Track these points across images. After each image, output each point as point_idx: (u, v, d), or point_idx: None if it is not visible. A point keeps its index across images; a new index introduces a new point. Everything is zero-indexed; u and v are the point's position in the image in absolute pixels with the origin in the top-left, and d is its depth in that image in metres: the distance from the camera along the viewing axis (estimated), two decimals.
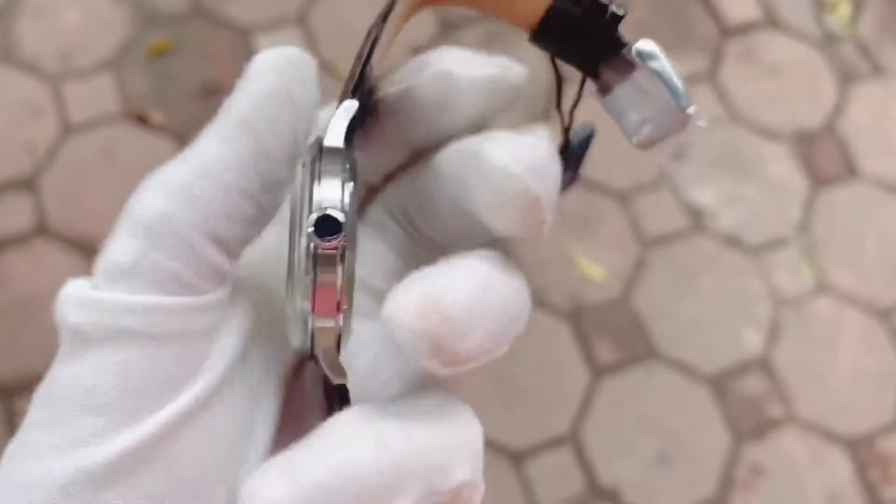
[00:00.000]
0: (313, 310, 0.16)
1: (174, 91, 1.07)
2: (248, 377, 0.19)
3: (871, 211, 1.07)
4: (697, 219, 1.05)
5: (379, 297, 0.18)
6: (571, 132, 0.21)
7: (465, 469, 0.17)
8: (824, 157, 1.10)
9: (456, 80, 0.19)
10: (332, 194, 0.16)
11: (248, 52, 1.10)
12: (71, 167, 1.03)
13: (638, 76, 0.19)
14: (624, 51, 0.19)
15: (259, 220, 0.18)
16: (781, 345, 0.99)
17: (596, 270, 1.01)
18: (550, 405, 0.96)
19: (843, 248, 1.05)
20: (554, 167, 0.17)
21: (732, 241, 1.04)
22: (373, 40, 0.18)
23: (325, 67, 1.18)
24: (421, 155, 0.21)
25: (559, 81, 0.20)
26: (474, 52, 0.20)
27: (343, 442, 0.16)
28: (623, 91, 0.19)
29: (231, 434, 0.18)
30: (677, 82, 0.18)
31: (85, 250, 0.98)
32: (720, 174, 1.08)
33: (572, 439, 0.93)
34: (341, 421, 0.17)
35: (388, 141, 0.20)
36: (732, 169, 1.08)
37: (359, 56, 0.18)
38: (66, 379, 0.17)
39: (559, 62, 0.20)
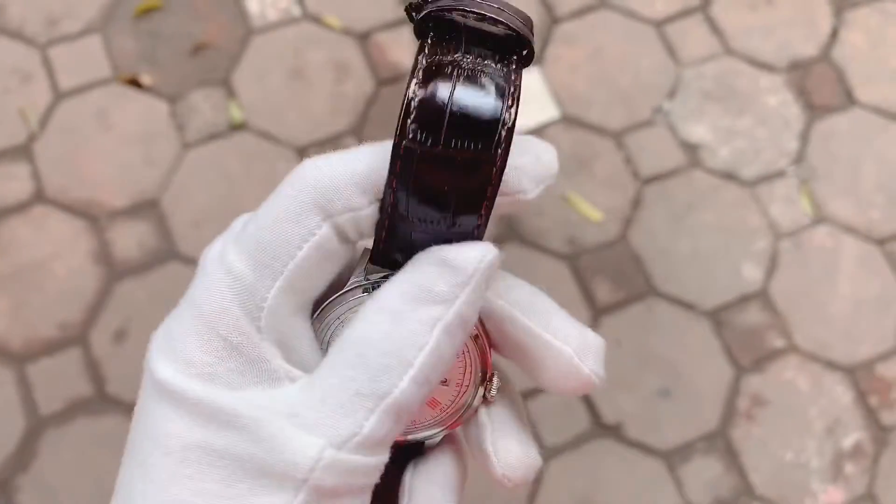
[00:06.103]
0: None
1: (163, 51, 1.07)
2: None
3: (869, 138, 1.06)
4: (693, 154, 1.05)
5: None
6: None
7: None
8: (820, 86, 1.09)
9: None
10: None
11: (236, 8, 1.09)
12: (65, 133, 1.03)
13: None
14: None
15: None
16: (781, 276, 1.00)
17: (593, 212, 1.01)
18: None
19: (840, 178, 1.05)
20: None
21: (729, 176, 1.04)
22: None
23: (313, 19, 1.16)
24: None
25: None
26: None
27: None
28: None
29: None
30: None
31: (83, 215, 0.99)
32: (715, 108, 1.07)
33: None
34: None
35: None
36: (727, 102, 1.08)
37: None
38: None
39: None
